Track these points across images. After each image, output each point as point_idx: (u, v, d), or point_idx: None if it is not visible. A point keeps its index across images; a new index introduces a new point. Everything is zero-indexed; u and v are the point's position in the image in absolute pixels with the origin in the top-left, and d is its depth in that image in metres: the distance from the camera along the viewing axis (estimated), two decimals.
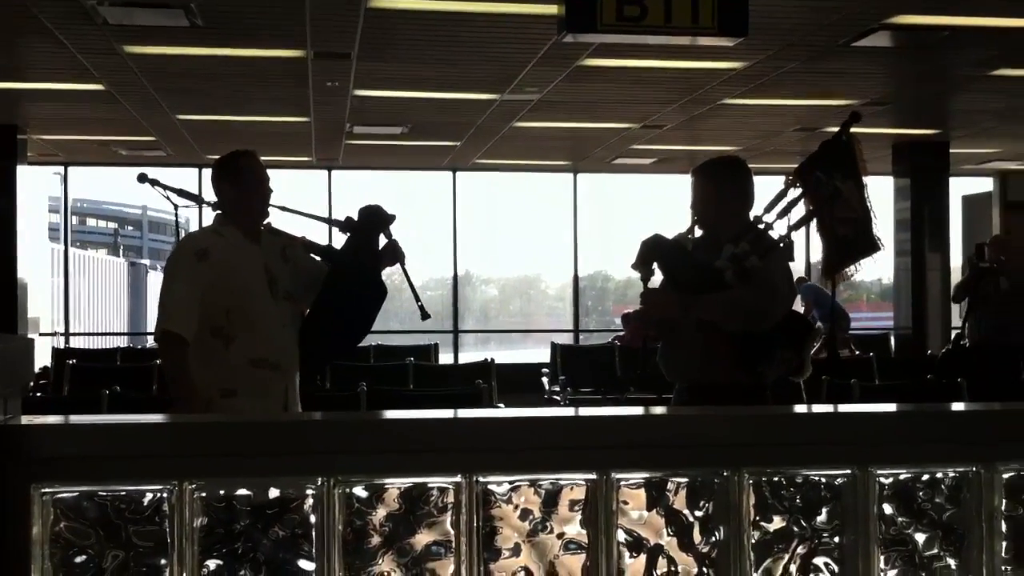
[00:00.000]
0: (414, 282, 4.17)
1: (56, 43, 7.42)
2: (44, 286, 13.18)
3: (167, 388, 3.85)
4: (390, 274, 4.20)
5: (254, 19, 7.00)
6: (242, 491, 1.59)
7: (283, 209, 4.09)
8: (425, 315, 4.21)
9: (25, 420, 1.63)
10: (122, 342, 15.35)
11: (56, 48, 7.56)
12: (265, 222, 3.98)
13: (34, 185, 12.21)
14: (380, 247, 4.02)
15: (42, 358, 10.20)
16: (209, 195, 4.13)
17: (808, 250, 13.18)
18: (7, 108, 10.35)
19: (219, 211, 3.99)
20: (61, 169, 14.23)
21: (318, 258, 4.08)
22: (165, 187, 4.27)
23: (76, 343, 14.37)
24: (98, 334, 16.43)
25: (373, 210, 4.02)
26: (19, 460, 1.54)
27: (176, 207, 4.34)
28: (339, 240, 4.17)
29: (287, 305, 3.89)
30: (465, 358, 13.37)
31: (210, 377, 3.69)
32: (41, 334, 12.47)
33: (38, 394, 7.70)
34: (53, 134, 11.76)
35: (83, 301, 16.37)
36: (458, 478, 1.63)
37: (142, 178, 4.31)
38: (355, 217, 4.03)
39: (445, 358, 12.56)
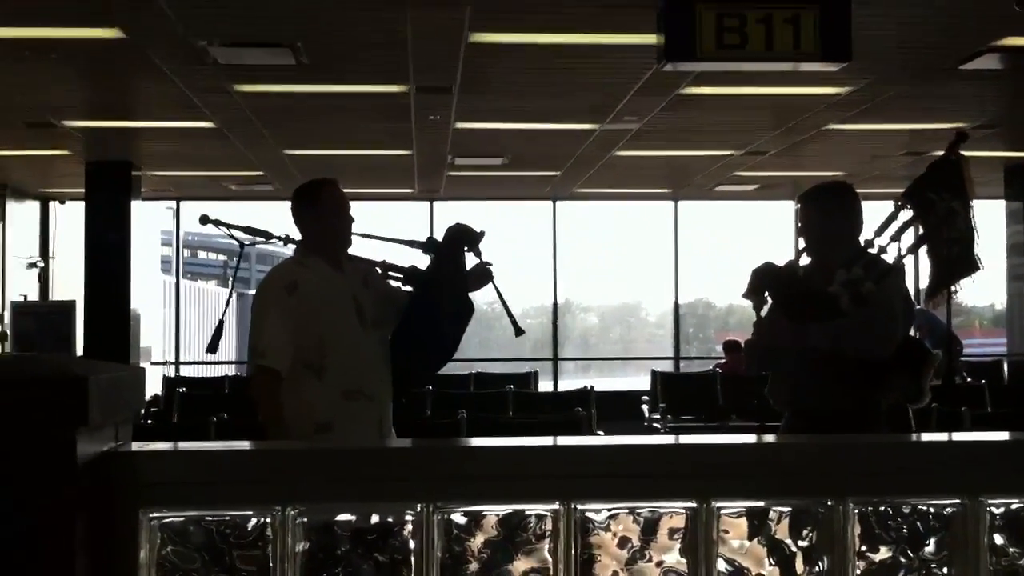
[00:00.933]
0: (508, 302, 4.08)
1: (169, 83, 7.66)
2: (156, 317, 13.55)
3: (262, 425, 3.81)
4: (491, 302, 4.16)
5: (358, 57, 7.15)
6: (343, 516, 1.61)
7: (364, 236, 4.02)
8: (519, 331, 4.11)
9: (135, 447, 1.67)
10: (230, 371, 15.68)
11: (169, 88, 7.81)
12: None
13: (147, 219, 12.58)
14: (469, 267, 3.94)
15: (153, 386, 10.47)
16: (278, 229, 4.08)
17: (917, 274, 12.90)
18: (122, 145, 10.71)
19: (297, 243, 3.95)
20: (173, 204, 14.67)
21: (398, 283, 4.01)
22: (229, 226, 4.16)
23: (186, 372, 14.74)
24: (207, 363, 16.82)
25: (458, 229, 3.94)
26: (128, 485, 1.58)
27: (242, 244, 4.24)
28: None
29: (375, 333, 3.83)
30: (565, 386, 13.35)
31: (304, 411, 3.63)
32: (153, 363, 12.82)
33: (148, 421, 7.91)
34: (165, 170, 12.11)
35: (193, 331, 16.79)
36: (556, 505, 1.62)
37: (204, 220, 4.22)
38: (439, 238, 3.98)
39: (544, 386, 12.55)
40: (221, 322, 4.30)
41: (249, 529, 1.59)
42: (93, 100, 8.93)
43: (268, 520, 1.58)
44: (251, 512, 1.59)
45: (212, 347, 4.25)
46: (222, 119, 9.05)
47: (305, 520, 1.59)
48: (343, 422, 3.66)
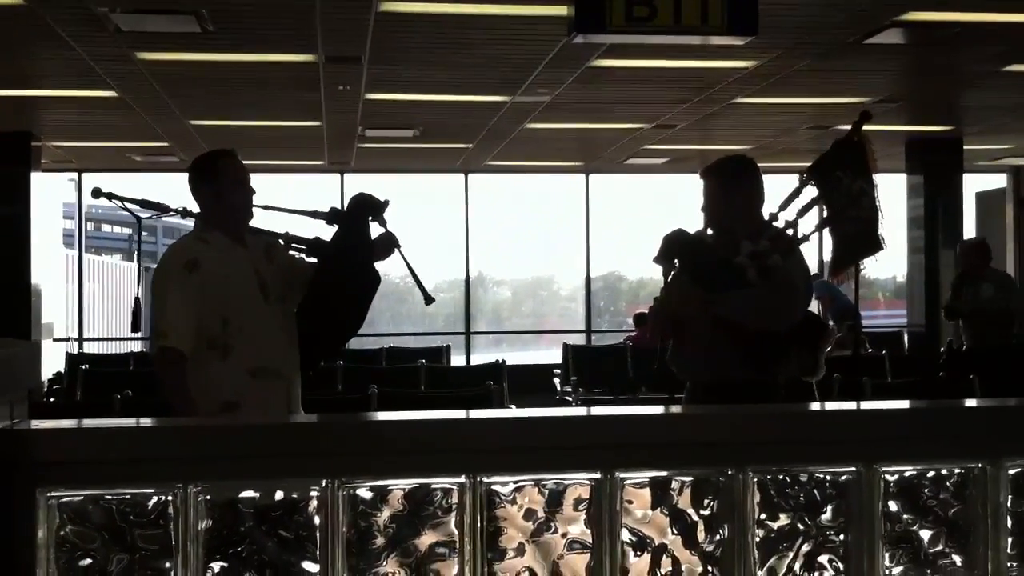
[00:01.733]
0: (416, 270, 4.01)
1: (69, 51, 7.46)
2: (58, 292, 13.23)
3: (168, 407, 3.74)
4: (403, 276, 4.11)
5: (265, 25, 7.02)
6: (247, 493, 1.59)
7: (266, 208, 3.91)
8: (429, 299, 4.04)
9: (33, 424, 1.64)
10: (135, 347, 15.42)
11: (69, 56, 7.60)
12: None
13: (48, 192, 12.27)
14: (374, 236, 3.87)
15: (56, 364, 10.24)
16: (183, 202, 3.96)
17: (821, 248, 13.18)
18: (21, 115, 10.41)
19: (196, 216, 3.84)
20: (75, 176, 14.31)
21: (302, 253, 3.93)
22: (123, 199, 4.00)
23: (90, 348, 14.42)
24: (112, 339, 16.49)
25: (361, 198, 3.88)
26: (24, 464, 1.55)
27: (138, 218, 4.12)
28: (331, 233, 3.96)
29: (280, 308, 3.75)
30: (477, 360, 13.38)
31: (210, 392, 3.56)
32: (55, 340, 12.52)
33: (51, 399, 7.74)
34: (67, 141, 11.81)
35: (97, 306, 16.43)
36: (462, 479, 1.63)
37: (97, 193, 4.07)
38: (343, 208, 3.90)
39: (457, 360, 12.55)
40: (137, 299, 4.19)
41: (150, 507, 1.56)
42: None
43: (170, 498, 1.56)
44: (152, 490, 1.57)
45: (135, 326, 4.16)
46: (125, 88, 8.84)
47: (208, 497, 1.57)
48: (250, 401, 3.59)
